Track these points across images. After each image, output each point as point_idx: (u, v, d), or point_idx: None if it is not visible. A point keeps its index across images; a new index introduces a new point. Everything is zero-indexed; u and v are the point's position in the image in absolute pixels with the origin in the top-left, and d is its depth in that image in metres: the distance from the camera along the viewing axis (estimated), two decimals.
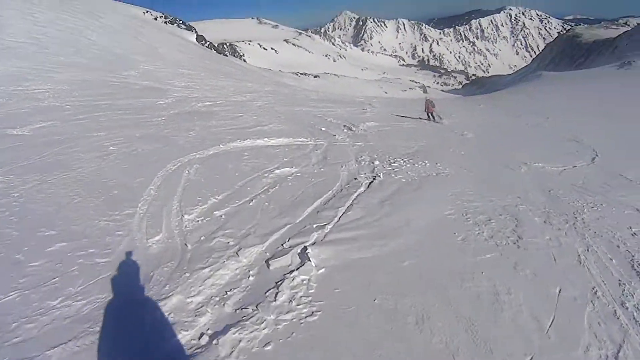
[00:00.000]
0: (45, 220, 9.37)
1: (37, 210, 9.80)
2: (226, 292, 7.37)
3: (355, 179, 13.67)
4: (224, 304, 7.01)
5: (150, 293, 7.17)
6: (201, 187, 12.22)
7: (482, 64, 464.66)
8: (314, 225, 9.88)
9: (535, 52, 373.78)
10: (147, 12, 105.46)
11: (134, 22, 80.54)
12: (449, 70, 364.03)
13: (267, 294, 7.28)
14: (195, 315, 6.69)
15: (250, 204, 11.22)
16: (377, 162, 15.66)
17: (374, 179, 13.60)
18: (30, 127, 17.13)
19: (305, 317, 6.77)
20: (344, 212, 10.73)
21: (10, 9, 51.28)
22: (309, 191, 12.34)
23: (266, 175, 13.57)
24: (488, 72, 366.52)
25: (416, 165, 15.40)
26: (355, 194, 12.14)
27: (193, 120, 21.44)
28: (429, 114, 27.89)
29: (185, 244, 8.90)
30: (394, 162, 15.62)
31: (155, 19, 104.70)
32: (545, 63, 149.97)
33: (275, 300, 7.06)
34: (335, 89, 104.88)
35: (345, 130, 22.04)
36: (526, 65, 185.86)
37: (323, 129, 21.78)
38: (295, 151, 16.98)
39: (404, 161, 15.84)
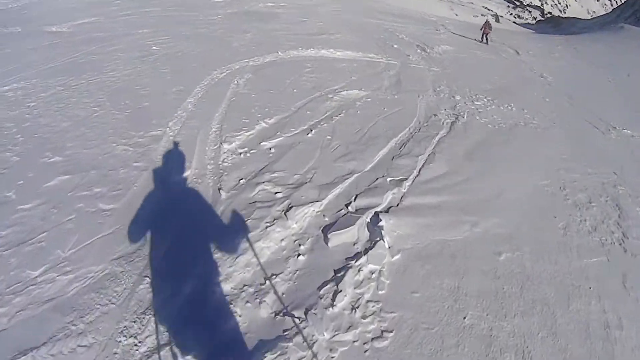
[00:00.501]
0: (55, 140, 7.60)
1: (48, 126, 8.08)
2: (265, 280, 5.11)
3: (435, 115, 11.26)
4: (259, 302, 4.78)
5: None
6: (250, 104, 9.94)
7: (560, 3, 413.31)
8: (388, 180, 7.50)
9: (617, 2, 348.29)
10: None
11: None
12: (525, 3, 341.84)
13: (321, 291, 5.02)
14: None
15: (309, 135, 8.88)
16: (457, 97, 13.18)
17: (456, 118, 11.24)
18: (71, 24, 15.55)
19: (372, 339, 4.56)
20: (424, 163, 8.38)
21: None
22: (381, 125, 9.88)
23: (330, 96, 11.15)
24: (565, 13, 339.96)
25: (501, 108, 13.02)
26: (437, 137, 9.74)
27: (251, 21, 19.27)
28: (484, 35, 27.52)
29: (219, 189, 6.70)
30: (477, 100, 13.23)
31: None
32: (626, 15, 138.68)
33: (332, 306, 4.81)
34: (407, 3, 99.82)
35: (419, 51, 19.50)
36: (605, 13, 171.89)
37: (395, 46, 19.23)
38: (365, 69, 14.51)
39: (488, 100, 13.43)
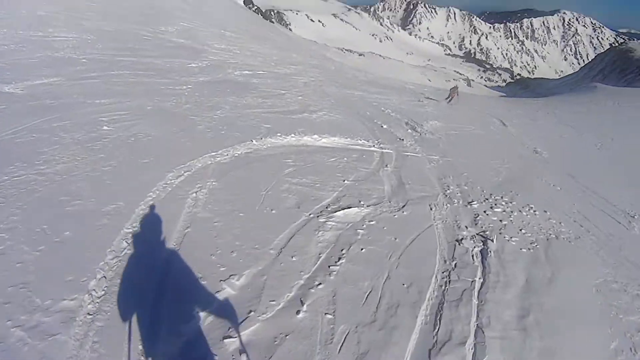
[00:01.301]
0: None
1: None
2: None
3: (459, 242, 8.44)
4: None
5: None
6: (210, 245, 6.85)
7: (529, 65, 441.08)
8: None
9: (584, 60, 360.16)
10: None
11: None
12: (495, 66, 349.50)
13: None
14: None
15: (299, 315, 5.74)
16: (474, 204, 10.48)
17: (484, 244, 8.50)
18: (27, 84, 13.05)
19: None
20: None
21: None
22: (398, 278, 6.91)
23: (322, 221, 8.20)
24: (533, 74, 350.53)
25: (523, 213, 10.54)
26: (475, 292, 6.92)
27: (225, 93, 16.99)
28: (451, 97, 29.56)
29: None
30: (495, 206, 10.64)
31: None
32: (593, 73, 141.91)
33: None
34: (379, 70, 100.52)
35: (410, 130, 17.34)
36: (573, 73, 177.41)
37: (384, 126, 17.02)
38: (358, 164, 11.86)
39: (505, 203, 10.99)
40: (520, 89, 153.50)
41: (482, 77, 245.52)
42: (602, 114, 35.06)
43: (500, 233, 9.07)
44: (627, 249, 9.69)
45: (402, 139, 15.47)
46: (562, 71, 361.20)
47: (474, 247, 8.32)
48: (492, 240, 8.59)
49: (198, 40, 31.14)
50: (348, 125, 15.77)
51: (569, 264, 8.43)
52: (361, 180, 10.64)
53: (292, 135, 12.85)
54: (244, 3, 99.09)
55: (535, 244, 8.95)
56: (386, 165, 12.14)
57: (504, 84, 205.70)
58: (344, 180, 10.32)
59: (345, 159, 11.97)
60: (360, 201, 9.36)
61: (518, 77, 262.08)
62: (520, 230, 9.46)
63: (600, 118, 32.63)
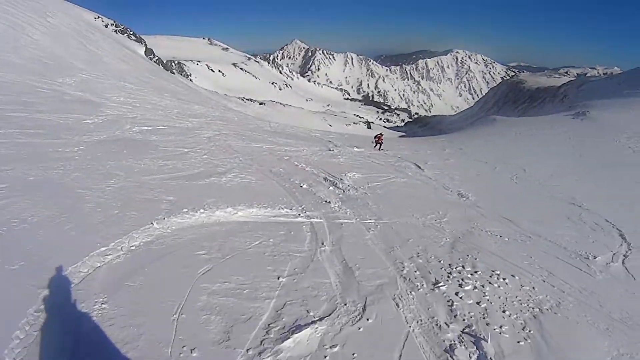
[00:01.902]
0: None
1: None
2: None
3: (449, 353, 6.20)
4: None
5: None
6: None
7: (425, 103, 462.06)
8: None
9: (478, 95, 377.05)
10: (98, 17, 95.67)
11: (83, 26, 73.55)
12: (392, 107, 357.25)
13: None
14: None
15: None
16: (441, 285, 8.24)
17: (477, 346, 6.44)
18: None
19: None
20: None
21: None
22: None
23: None
24: (430, 112, 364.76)
25: (495, 285, 8.67)
26: None
27: (121, 154, 14.46)
28: (378, 145, 30.79)
29: None
30: (463, 282, 8.61)
31: (106, 26, 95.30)
32: (488, 106, 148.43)
33: None
34: (280, 118, 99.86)
35: (331, 188, 15.29)
36: (469, 107, 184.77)
37: (303, 185, 14.83)
38: (289, 244, 9.32)
39: (470, 274, 9.02)
40: (419, 127, 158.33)
41: (380, 119, 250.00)
42: (506, 145, 35.39)
43: (487, 324, 6.99)
44: (606, 304, 8.54)
45: (328, 201, 13.27)
46: (457, 107, 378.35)
47: (470, 355, 6.15)
48: (486, 340, 6.46)
49: (96, 92, 28.72)
50: (264, 188, 13.60)
51: (572, 348, 6.94)
52: (299, 273, 8.04)
53: (202, 210, 10.23)
54: (144, 53, 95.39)
55: (527, 329, 7.22)
56: (322, 243, 9.67)
57: (402, 123, 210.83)
58: (278, 278, 7.69)
59: (272, 240, 9.39)
60: (308, 311, 6.73)
61: (416, 115, 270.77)
62: (504, 312, 7.58)
63: (506, 149, 32.86)
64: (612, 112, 49.40)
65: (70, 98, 23.93)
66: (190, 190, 11.80)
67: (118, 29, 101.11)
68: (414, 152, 30.21)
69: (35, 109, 18.74)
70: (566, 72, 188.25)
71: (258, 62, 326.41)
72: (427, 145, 38.41)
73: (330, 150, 25.38)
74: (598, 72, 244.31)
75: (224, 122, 31.14)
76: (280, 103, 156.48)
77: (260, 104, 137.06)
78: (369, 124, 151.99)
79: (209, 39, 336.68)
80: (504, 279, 8.90)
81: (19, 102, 19.14)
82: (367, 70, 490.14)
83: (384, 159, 24.54)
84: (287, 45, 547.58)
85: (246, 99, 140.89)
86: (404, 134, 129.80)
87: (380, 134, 32.67)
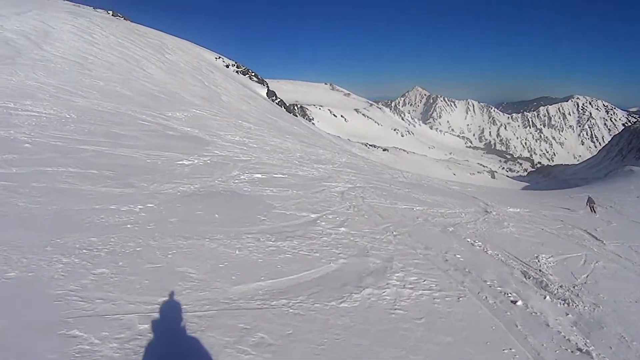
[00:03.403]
0: None
1: None
2: None
3: None
4: None
5: None
6: None
7: (548, 152, 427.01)
8: None
9: (600, 143, 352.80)
10: (219, 57, 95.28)
11: (203, 64, 71.31)
12: (515, 156, 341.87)
13: None
14: None
15: None
16: None
17: None
18: None
19: None
20: None
21: (67, 23, 44.40)
22: None
23: None
24: (553, 161, 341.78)
25: None
26: None
27: (208, 222, 9.67)
28: (592, 208, 27.70)
29: None
30: None
31: (227, 66, 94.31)
32: (612, 155, 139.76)
33: None
34: (404, 165, 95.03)
35: (536, 289, 9.63)
36: (592, 156, 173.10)
37: (489, 282, 9.39)
38: None
39: None
40: (542, 177, 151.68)
41: (503, 168, 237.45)
42: None
43: None
44: None
45: (549, 325, 7.68)
46: (580, 155, 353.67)
47: None
48: None
49: (208, 129, 25.80)
50: (469, 321, 7.32)
51: None
52: None
53: None
54: (266, 95, 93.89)
55: None
56: None
57: (525, 173, 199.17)
58: None
59: None
60: None
61: (539, 165, 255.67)
62: None
63: None
64: None
65: (173, 133, 21.13)
66: (328, 320, 6.33)
67: (240, 69, 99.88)
68: (570, 213, 25.73)
69: (122, 142, 15.41)
70: None
71: (380, 108, 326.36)
72: (569, 203, 32.84)
73: (487, 212, 19.90)
74: None
75: (354, 170, 26.40)
76: (404, 150, 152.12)
77: (384, 150, 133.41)
78: (492, 174, 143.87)
79: (331, 85, 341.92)
80: None
81: (105, 133, 16.13)
82: (489, 118, 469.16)
83: (550, 225, 18.93)
84: (408, 92, 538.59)
85: (369, 145, 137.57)
86: (527, 184, 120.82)
87: (589, 197, 29.44)
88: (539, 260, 12.02)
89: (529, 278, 10.23)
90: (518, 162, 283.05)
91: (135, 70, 39.75)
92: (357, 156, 49.51)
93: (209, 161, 16.41)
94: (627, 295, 10.18)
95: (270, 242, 9.03)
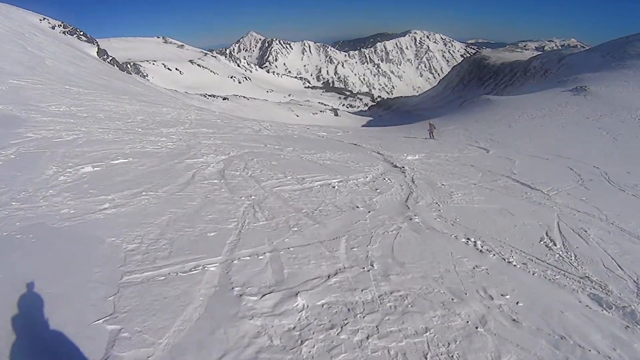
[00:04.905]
0: None
1: None
2: None
3: None
4: None
5: None
6: None
7: (387, 86, 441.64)
8: None
9: (439, 75, 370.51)
10: (44, 19, 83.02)
11: (25, 28, 62.05)
12: (354, 92, 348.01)
13: None
14: None
15: None
16: None
17: None
18: None
19: None
20: None
21: None
22: None
23: None
24: (392, 94, 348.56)
25: None
26: None
27: None
28: (431, 134, 29.11)
29: None
30: None
31: (53, 27, 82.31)
32: (453, 85, 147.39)
33: None
34: (247, 112, 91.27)
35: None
36: (433, 87, 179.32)
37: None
38: None
39: None
40: (383, 110, 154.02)
41: (343, 105, 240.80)
42: (533, 131, 30.73)
43: None
44: None
45: None
46: (419, 87, 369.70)
47: None
48: None
49: (27, 103, 19.85)
50: None
51: None
52: None
53: None
54: (97, 54, 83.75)
55: None
56: None
57: (365, 108, 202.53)
58: None
59: None
60: None
61: (379, 99, 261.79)
62: None
63: (541, 137, 28.10)
64: (608, 86, 47.13)
65: None
66: None
67: (67, 30, 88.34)
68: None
69: None
70: (525, 46, 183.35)
71: (215, 57, 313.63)
72: (445, 137, 30.25)
73: (397, 167, 16.01)
74: (556, 45, 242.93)
75: (211, 130, 21.59)
76: (244, 97, 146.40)
77: (224, 99, 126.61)
78: (335, 111, 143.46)
79: (163, 38, 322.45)
80: None
81: None
82: (326, 57, 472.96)
83: (472, 175, 15.93)
84: (242, 37, 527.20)
85: (208, 95, 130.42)
86: (370, 118, 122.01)
87: (429, 123, 31.20)
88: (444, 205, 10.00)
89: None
90: (358, 97, 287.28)
91: None
92: (204, 109, 44.12)
93: (13, 156, 10.97)
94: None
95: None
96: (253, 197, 10.01)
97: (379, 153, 19.43)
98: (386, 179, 13.42)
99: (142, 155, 12.85)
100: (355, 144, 22.92)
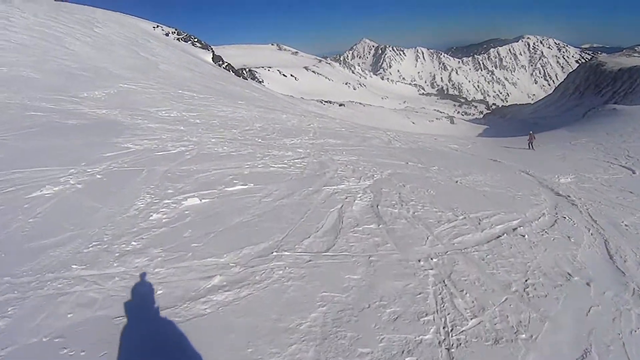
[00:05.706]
0: None
1: None
2: None
3: None
4: None
5: None
6: None
7: (501, 93, 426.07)
8: None
9: (554, 81, 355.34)
10: (157, 27, 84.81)
11: (139, 35, 62.16)
12: (469, 99, 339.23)
13: None
14: None
15: None
16: None
17: None
18: None
19: None
20: None
21: None
22: None
23: None
24: (507, 101, 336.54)
25: None
26: None
27: None
28: (530, 144, 29.06)
29: None
30: None
31: (167, 34, 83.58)
32: (569, 92, 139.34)
33: None
34: (363, 118, 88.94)
35: None
36: (548, 95, 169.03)
37: None
38: None
39: None
40: (498, 117, 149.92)
41: (458, 112, 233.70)
42: None
43: None
44: None
45: None
46: (534, 95, 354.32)
47: None
48: None
49: (134, 108, 18.40)
50: None
51: None
52: None
53: None
54: (212, 60, 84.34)
55: None
56: None
57: (480, 115, 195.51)
58: None
59: None
60: None
61: (494, 106, 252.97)
62: None
63: None
64: None
65: (76, 122, 13.87)
66: None
67: (181, 36, 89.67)
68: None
69: None
70: None
71: (329, 63, 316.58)
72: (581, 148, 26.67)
73: (556, 193, 13.32)
74: None
75: (338, 140, 18.79)
76: (360, 103, 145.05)
77: (340, 105, 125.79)
78: (451, 119, 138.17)
79: (277, 45, 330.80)
80: None
81: None
82: (439, 64, 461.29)
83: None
84: (356, 44, 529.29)
85: (325, 101, 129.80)
86: (486, 126, 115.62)
87: (530, 133, 31.02)
88: None
89: None
90: (473, 105, 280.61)
91: (55, 49, 32.18)
92: (324, 116, 41.64)
93: (100, 176, 8.49)
94: None
95: None
96: (434, 259, 6.71)
97: (527, 174, 16.85)
98: (565, 217, 9.62)
99: (266, 179, 9.90)
100: (495, 160, 20.76)
